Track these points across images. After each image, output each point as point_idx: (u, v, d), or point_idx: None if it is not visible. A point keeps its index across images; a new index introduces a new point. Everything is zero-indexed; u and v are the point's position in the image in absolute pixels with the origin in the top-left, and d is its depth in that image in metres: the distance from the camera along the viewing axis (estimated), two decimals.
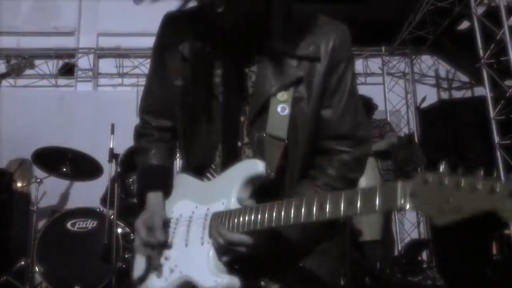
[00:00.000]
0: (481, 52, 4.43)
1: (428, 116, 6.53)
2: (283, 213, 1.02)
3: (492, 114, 4.29)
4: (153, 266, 1.28)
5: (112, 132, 4.20)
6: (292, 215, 1.01)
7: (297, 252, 1.24)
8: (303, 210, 0.99)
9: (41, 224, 5.36)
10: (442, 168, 0.80)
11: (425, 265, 5.79)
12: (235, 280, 1.12)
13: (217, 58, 1.27)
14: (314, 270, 1.27)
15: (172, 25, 1.36)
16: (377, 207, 0.87)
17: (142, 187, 1.40)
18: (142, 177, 1.44)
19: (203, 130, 1.30)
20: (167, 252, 1.27)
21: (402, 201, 0.83)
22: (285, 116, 1.21)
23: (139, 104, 1.52)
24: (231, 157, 1.27)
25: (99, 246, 3.97)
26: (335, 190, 1.18)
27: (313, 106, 1.24)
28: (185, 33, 1.31)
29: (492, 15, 4.85)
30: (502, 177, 4.14)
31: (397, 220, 6.27)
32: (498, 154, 4.18)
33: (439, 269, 5.50)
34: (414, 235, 6.40)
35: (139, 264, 1.34)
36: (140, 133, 1.48)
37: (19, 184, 5.42)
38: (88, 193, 5.10)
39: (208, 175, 1.32)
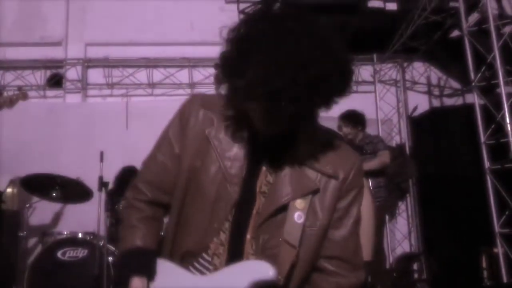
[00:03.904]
0: (472, 75, 4.40)
1: (419, 125, 6.53)
2: None
3: (482, 138, 4.29)
4: None
5: (101, 159, 4.15)
6: None
7: None
8: None
9: (31, 242, 5.36)
10: None
11: (415, 276, 5.87)
12: None
13: (241, 148, 1.30)
14: None
15: (203, 105, 1.36)
16: None
17: (127, 270, 1.33)
18: (128, 259, 1.36)
19: (204, 215, 1.29)
20: None
21: None
22: (300, 224, 1.25)
23: (140, 171, 1.45)
24: (237, 249, 1.27)
25: (90, 275, 3.97)
26: None
27: (324, 221, 1.29)
28: (215, 117, 1.32)
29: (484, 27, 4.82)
30: (493, 210, 4.15)
31: (388, 230, 6.30)
32: (489, 179, 4.19)
33: (430, 282, 5.56)
34: (405, 245, 6.45)
35: None
36: (131, 204, 1.42)
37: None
38: (79, 213, 5.07)
39: (197, 264, 1.30)
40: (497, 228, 4.08)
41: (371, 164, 4.89)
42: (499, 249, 4.07)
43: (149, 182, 1.41)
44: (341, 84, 1.18)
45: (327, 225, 1.29)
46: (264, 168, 1.30)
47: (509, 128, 3.87)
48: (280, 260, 1.23)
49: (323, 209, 1.28)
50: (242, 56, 1.14)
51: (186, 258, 1.32)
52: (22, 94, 4.17)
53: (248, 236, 1.27)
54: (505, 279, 3.95)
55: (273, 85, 1.09)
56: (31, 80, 6.34)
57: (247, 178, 1.29)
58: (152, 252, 1.36)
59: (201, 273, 1.29)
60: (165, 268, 1.33)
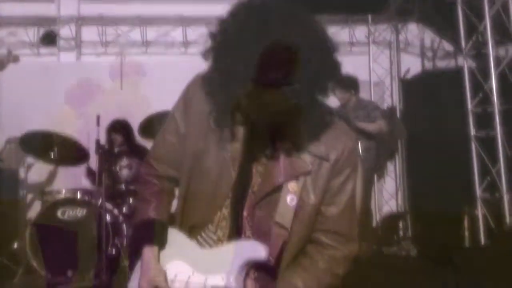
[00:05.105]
0: (463, 43, 4.45)
1: (411, 88, 6.61)
2: None
3: (470, 106, 4.40)
4: None
5: (98, 124, 4.24)
6: None
7: None
8: None
9: (29, 199, 5.53)
10: None
11: (401, 235, 6.12)
12: None
13: (239, 131, 1.37)
14: None
15: (205, 88, 1.37)
16: None
17: (140, 239, 1.47)
18: (141, 229, 1.50)
19: (208, 192, 1.40)
20: None
21: None
22: (292, 207, 1.35)
23: (151, 148, 1.59)
24: (236, 225, 1.40)
25: (90, 233, 4.16)
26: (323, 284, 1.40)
27: (316, 200, 1.37)
28: (216, 100, 1.34)
29: None
30: (476, 175, 4.31)
31: (376, 189, 6.50)
32: (473, 146, 4.33)
33: (414, 240, 5.80)
34: (392, 204, 6.68)
35: None
36: (144, 180, 1.55)
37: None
38: (75, 171, 5.21)
39: (204, 235, 1.43)
40: (478, 192, 4.26)
41: (369, 127, 5.00)
42: (479, 213, 4.27)
43: (159, 158, 1.53)
44: (331, 68, 1.25)
45: (318, 206, 1.38)
46: (261, 149, 1.38)
47: (495, 99, 3.96)
48: (272, 241, 1.35)
49: (316, 191, 1.36)
50: (229, 47, 1.21)
51: (193, 230, 1.45)
52: (13, 57, 4.20)
53: (245, 213, 1.38)
54: (483, 242, 4.17)
55: (260, 76, 1.16)
56: (24, 37, 6.30)
57: (245, 159, 1.38)
58: (163, 223, 1.48)
59: (207, 243, 1.43)
60: (175, 238, 1.46)
